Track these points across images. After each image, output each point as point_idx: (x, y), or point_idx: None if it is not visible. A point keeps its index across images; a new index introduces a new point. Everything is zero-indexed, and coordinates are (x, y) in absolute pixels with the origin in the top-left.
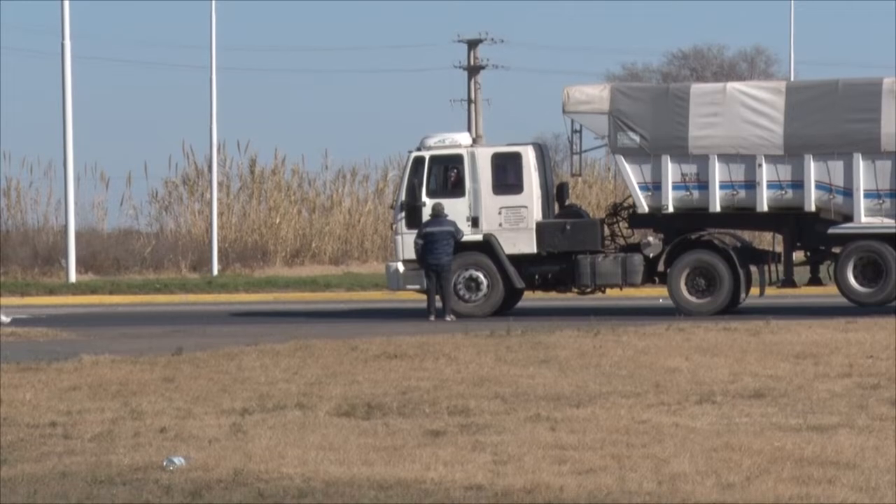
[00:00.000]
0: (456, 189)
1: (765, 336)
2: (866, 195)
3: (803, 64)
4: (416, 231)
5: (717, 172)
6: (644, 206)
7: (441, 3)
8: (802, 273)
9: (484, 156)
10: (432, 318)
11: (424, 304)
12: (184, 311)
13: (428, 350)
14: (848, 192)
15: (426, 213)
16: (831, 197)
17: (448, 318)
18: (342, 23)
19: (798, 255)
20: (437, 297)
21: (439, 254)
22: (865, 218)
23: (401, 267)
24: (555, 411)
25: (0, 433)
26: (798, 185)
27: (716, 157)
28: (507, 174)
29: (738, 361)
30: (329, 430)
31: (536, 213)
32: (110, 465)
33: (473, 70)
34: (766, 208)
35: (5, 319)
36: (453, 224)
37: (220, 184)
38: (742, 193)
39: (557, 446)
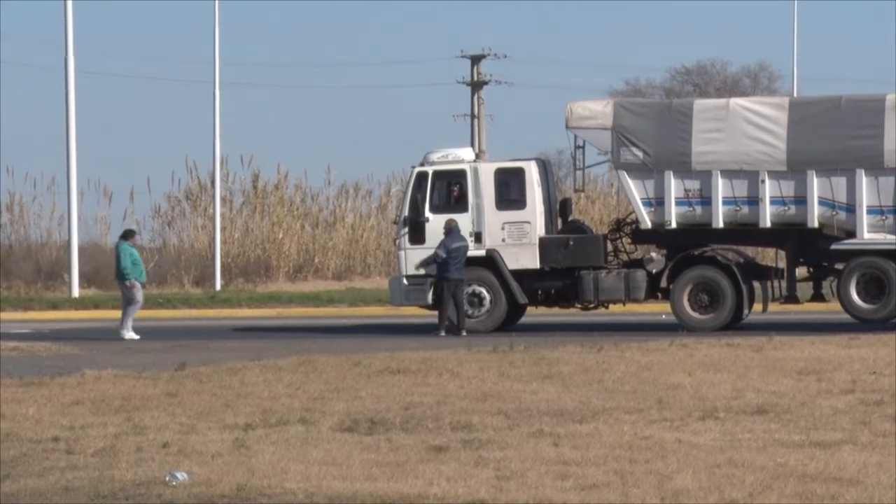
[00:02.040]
0: (459, 204)
1: (768, 352)
2: (869, 211)
3: (806, 80)
4: (419, 246)
5: (720, 188)
6: (647, 222)
7: (444, 19)
8: (805, 289)
9: (487, 171)
10: (442, 333)
11: (427, 320)
12: (187, 326)
13: (431, 365)
14: (851, 209)
15: (429, 229)
16: (834, 213)
17: (463, 333)
18: (345, 38)
19: (801, 271)
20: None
21: (461, 269)
22: (868, 234)
23: (404, 282)
24: (558, 427)
25: (2, 448)
26: (801, 200)
27: (719, 172)
28: (510, 189)
29: (741, 377)
30: (332, 446)
31: (539, 229)
32: (113, 480)
33: (477, 85)
34: (769, 224)
35: (132, 336)
36: (465, 238)
37: (223, 199)
38: (745, 209)
39: (560, 462)
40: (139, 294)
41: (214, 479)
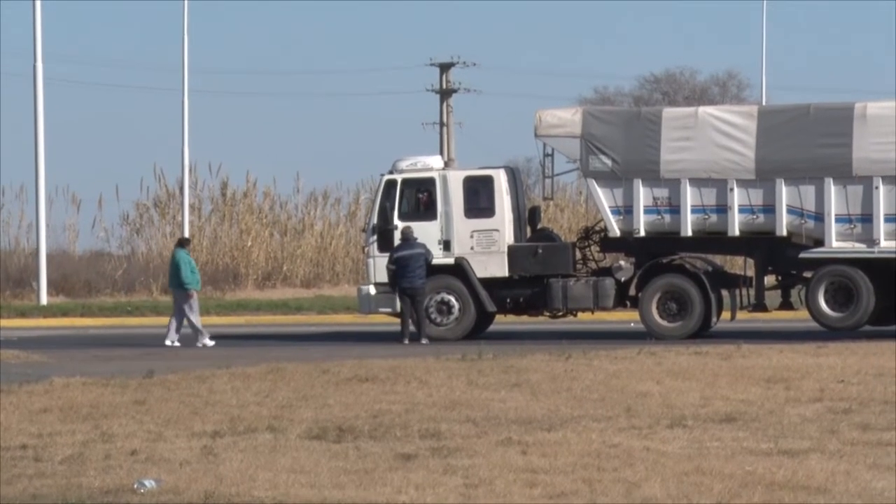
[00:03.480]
0: (428, 212)
1: (736, 360)
2: (838, 220)
3: (775, 89)
4: (388, 254)
5: (689, 196)
6: (616, 230)
7: (413, 27)
8: (774, 297)
9: (456, 179)
10: (406, 341)
11: (396, 328)
12: (155, 333)
13: (399, 373)
14: (819, 217)
15: (398, 237)
16: (803, 221)
17: (423, 342)
18: (314, 46)
19: (770, 280)
20: (411, 321)
21: (413, 277)
22: (837, 242)
23: (372, 290)
24: (526, 435)
25: None
26: (769, 209)
27: (687, 181)
28: (478, 197)
29: (710, 385)
30: (300, 454)
31: (508, 237)
32: (81, 487)
33: (446, 93)
34: (737, 233)
35: (210, 343)
36: (424, 246)
37: (191, 206)
38: (714, 217)
39: (529, 470)
40: (193, 302)
41: (182, 487)
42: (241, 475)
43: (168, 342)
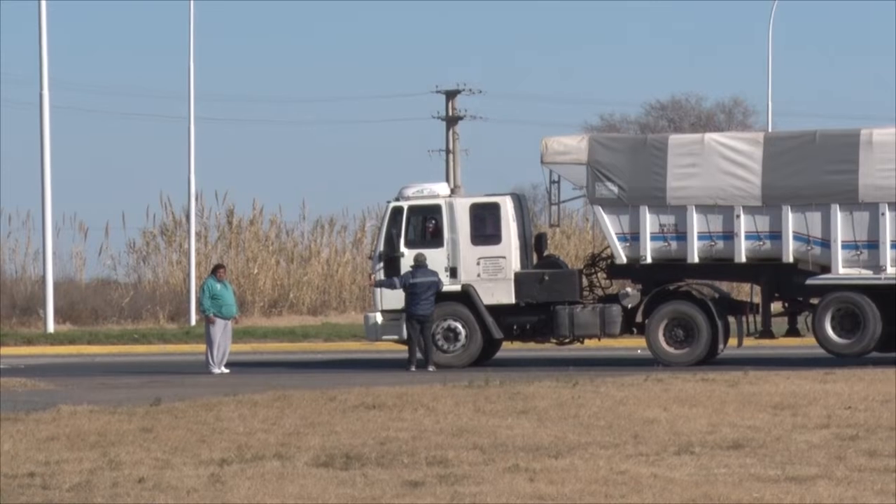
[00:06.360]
0: (434, 239)
1: (743, 387)
2: (844, 246)
3: (781, 115)
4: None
5: (695, 223)
6: (622, 257)
7: (419, 55)
8: (780, 324)
9: (462, 206)
10: (413, 368)
11: (402, 355)
12: (162, 361)
13: (406, 400)
14: (826, 243)
15: (405, 264)
16: (809, 248)
17: (430, 369)
18: (320, 74)
19: (776, 306)
20: (418, 349)
21: (425, 304)
22: (843, 269)
23: (379, 317)
24: (533, 462)
25: None
26: (776, 235)
27: (694, 207)
28: (485, 224)
29: (717, 412)
30: (307, 481)
31: (515, 264)
32: None
33: (451, 121)
34: (744, 259)
35: (225, 370)
36: (436, 274)
37: (197, 234)
38: (720, 244)
39: (536, 497)
40: (213, 329)
41: None
42: (248, 502)
43: (213, 371)
